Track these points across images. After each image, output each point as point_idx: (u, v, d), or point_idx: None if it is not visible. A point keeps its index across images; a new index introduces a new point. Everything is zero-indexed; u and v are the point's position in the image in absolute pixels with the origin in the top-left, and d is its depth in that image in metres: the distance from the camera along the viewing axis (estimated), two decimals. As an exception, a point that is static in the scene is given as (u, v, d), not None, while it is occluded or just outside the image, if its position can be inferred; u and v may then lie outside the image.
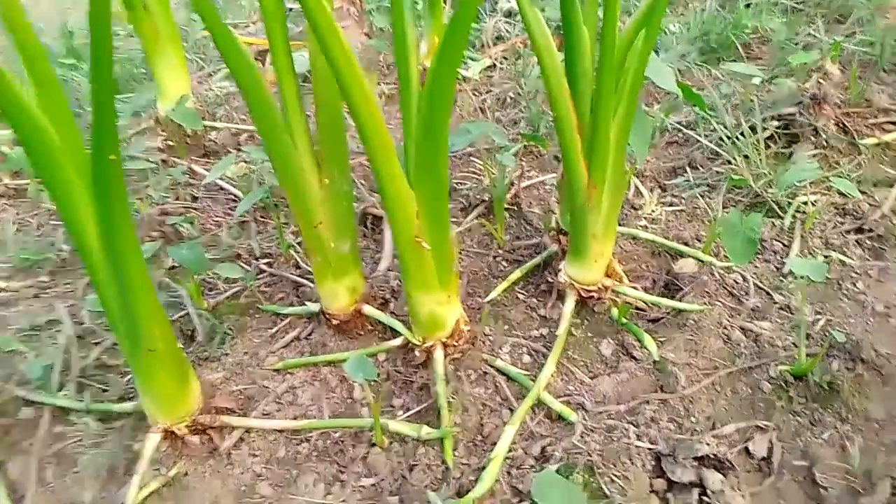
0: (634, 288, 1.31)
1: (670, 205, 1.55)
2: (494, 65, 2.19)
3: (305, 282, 1.39)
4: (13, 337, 1.30)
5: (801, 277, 1.25)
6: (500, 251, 1.45)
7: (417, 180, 1.02)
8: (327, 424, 1.12)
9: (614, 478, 0.99)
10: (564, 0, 1.00)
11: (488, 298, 1.33)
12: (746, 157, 1.57)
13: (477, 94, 2.04)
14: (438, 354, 1.16)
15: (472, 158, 1.76)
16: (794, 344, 1.19)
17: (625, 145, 1.15)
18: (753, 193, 1.51)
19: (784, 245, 1.41)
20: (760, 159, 1.55)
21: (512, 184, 1.58)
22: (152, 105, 1.89)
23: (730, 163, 1.59)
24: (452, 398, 1.13)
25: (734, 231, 1.21)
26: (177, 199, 1.69)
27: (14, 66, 0.82)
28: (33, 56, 0.83)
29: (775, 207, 1.48)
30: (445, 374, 1.15)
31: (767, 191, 1.49)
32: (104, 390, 1.22)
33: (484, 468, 1.02)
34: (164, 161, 1.81)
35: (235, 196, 1.69)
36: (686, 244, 1.42)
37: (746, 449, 1.05)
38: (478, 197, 1.60)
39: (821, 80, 1.72)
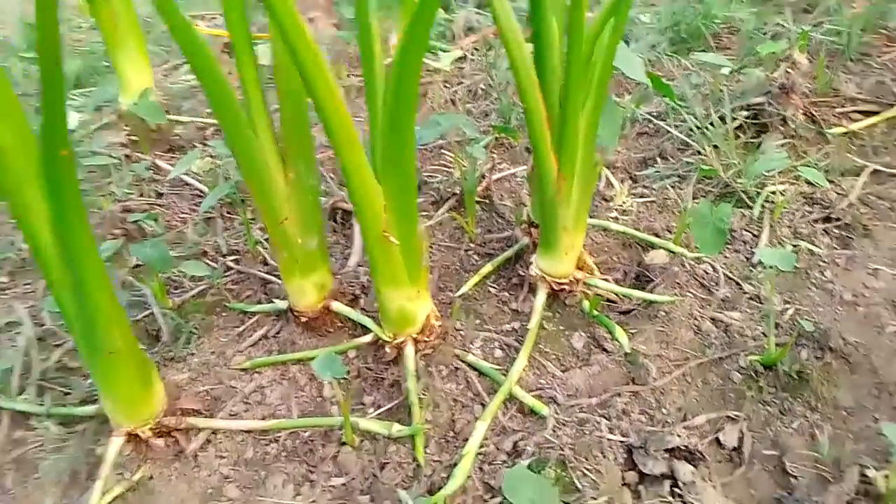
0: (606, 280, 1.31)
1: (641, 196, 1.55)
2: (466, 56, 2.17)
3: (273, 279, 1.37)
4: (-30, 340, 1.27)
5: (770, 267, 1.25)
6: (472, 245, 1.44)
7: (384, 174, 1.01)
8: (296, 424, 1.10)
9: (586, 471, 0.99)
10: (531, -10, 0.99)
11: (460, 293, 1.32)
12: (716, 147, 1.57)
13: (448, 85, 2.02)
14: (409, 350, 1.15)
15: (442, 151, 1.74)
16: (763, 334, 1.20)
17: (594, 137, 1.14)
18: (723, 184, 1.52)
19: (753, 235, 1.41)
20: (730, 149, 1.55)
21: (483, 176, 1.56)
22: (115, 99, 1.84)
23: (700, 153, 1.59)
24: (423, 394, 1.11)
25: (704, 222, 1.21)
26: (141, 195, 1.65)
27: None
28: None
29: (745, 197, 1.48)
30: (416, 371, 1.13)
31: (737, 181, 1.50)
32: (66, 393, 1.18)
33: (456, 465, 1.01)
34: (127, 156, 1.77)
35: (201, 192, 1.65)
36: (657, 235, 1.42)
37: (717, 439, 1.06)
38: (449, 190, 1.58)
39: (789, 70, 1.73)
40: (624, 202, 1.52)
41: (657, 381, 1.13)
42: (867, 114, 1.70)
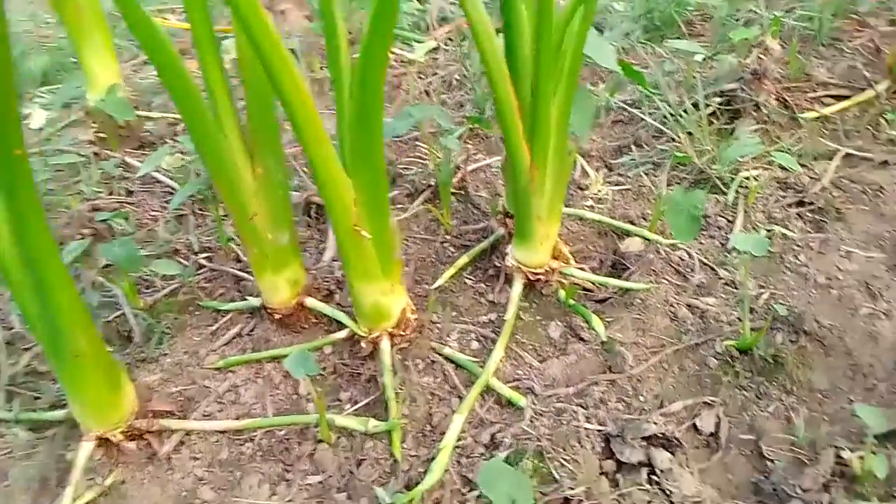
0: (581, 269, 1.31)
1: (616, 184, 1.55)
2: (439, 47, 2.15)
3: (247, 276, 1.35)
4: (-65, 346, 1.23)
5: (745, 252, 1.25)
6: (448, 236, 1.43)
7: (354, 168, 0.99)
8: (271, 423, 1.09)
9: (564, 462, 0.98)
10: (499, -22, 0.98)
11: (435, 285, 1.30)
12: (690, 133, 1.57)
13: (422, 76, 2.00)
14: (385, 345, 1.14)
15: (417, 143, 1.72)
16: (738, 319, 1.20)
17: (567, 126, 1.13)
18: (697, 170, 1.52)
19: (728, 220, 1.42)
20: (704, 136, 1.55)
21: (458, 168, 1.55)
22: (83, 96, 1.80)
23: (674, 140, 1.59)
24: (400, 389, 1.10)
25: (678, 209, 1.20)
26: (110, 193, 1.61)
27: None
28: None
29: (719, 183, 1.48)
30: (393, 365, 1.12)
31: (711, 167, 1.50)
32: (35, 398, 1.16)
33: (433, 459, 1.00)
34: (96, 154, 1.73)
35: (172, 189, 1.63)
36: (632, 223, 1.41)
37: (694, 425, 1.06)
38: (423, 182, 1.57)
39: (761, 56, 1.73)
40: (599, 191, 1.52)
41: (634, 369, 1.13)
42: (839, 98, 1.70)
